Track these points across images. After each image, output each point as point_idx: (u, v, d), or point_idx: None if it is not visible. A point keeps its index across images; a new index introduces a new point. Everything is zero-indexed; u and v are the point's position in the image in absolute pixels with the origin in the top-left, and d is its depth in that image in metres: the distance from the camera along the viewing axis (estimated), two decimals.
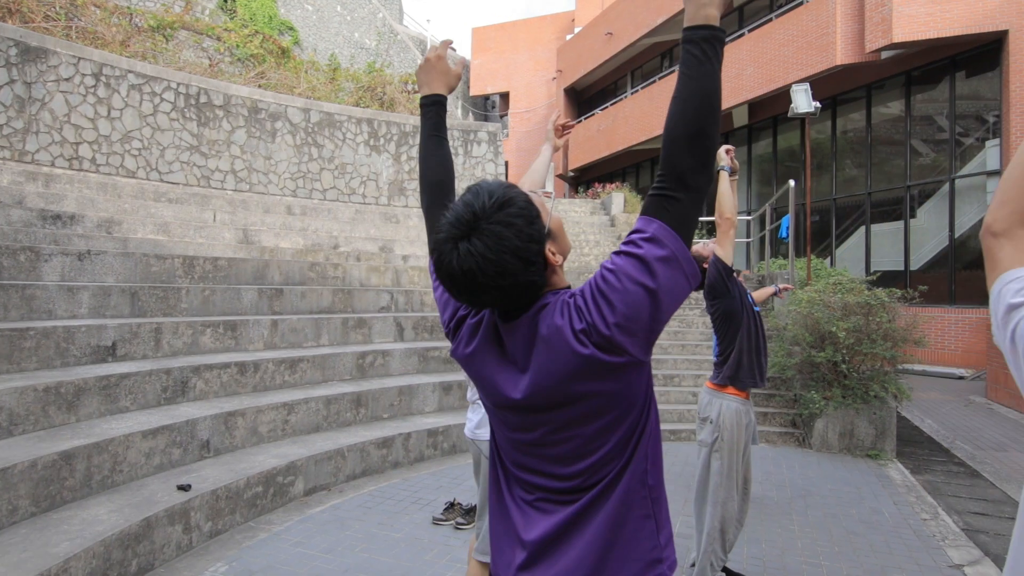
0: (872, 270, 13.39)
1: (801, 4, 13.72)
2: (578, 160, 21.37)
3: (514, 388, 1.09)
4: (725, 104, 15.28)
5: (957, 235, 12.28)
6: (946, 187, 12.44)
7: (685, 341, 7.90)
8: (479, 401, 2.51)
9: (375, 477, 4.89)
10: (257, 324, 5.61)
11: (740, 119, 16.33)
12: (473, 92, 25.45)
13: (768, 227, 9.42)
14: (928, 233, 12.87)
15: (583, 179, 22.53)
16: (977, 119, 12.20)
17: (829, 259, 13.99)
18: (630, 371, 1.04)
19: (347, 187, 10.65)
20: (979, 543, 3.92)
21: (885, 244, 13.65)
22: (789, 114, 7.69)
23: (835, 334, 5.89)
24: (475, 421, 2.52)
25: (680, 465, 5.53)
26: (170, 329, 4.91)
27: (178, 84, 8.74)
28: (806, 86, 7.45)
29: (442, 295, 1.28)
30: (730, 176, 3.22)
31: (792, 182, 7.92)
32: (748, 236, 11.39)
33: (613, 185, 14.32)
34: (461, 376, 6.39)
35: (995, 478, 5.34)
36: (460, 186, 11.23)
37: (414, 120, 11.49)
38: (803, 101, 7.28)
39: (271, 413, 4.70)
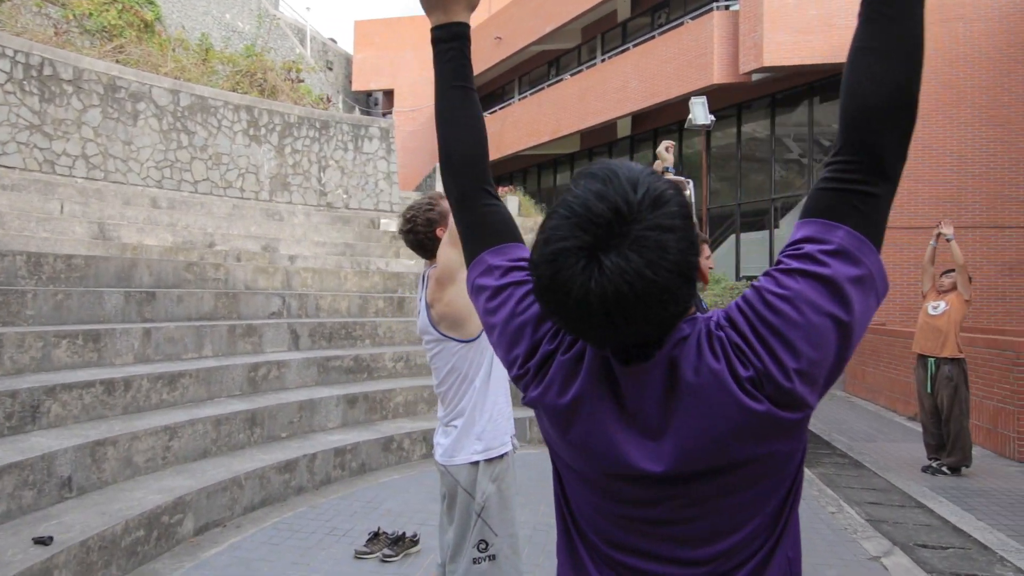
0: (740, 275, 14.51)
1: (682, 24, 14.52)
2: None
3: (646, 456, 0.78)
4: (611, 115, 15.86)
5: None
6: (805, 201, 13.70)
7: None
8: (456, 424, 2.17)
9: (278, 507, 4.31)
10: (125, 334, 4.78)
11: (624, 130, 17.00)
12: (355, 87, 24.43)
13: None
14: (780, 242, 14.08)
15: None
16: (832, 140, 13.55)
17: None
18: (803, 425, 0.78)
19: (223, 179, 9.63)
20: (884, 533, 4.18)
21: (753, 252, 14.77)
22: (686, 125, 8.01)
23: None
24: (445, 445, 2.18)
25: None
26: (13, 341, 4.01)
27: (15, 52, 7.39)
28: (703, 99, 7.79)
29: (514, 323, 0.90)
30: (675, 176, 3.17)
31: (690, 182, 8.23)
32: None
33: (507, 188, 14.28)
34: (368, 387, 5.92)
35: (876, 468, 5.81)
36: (352, 182, 10.39)
37: (299, 111, 10.67)
38: (700, 113, 7.60)
39: (149, 439, 3.98)
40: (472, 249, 1.01)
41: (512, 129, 19.04)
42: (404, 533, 3.64)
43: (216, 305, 6.02)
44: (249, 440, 4.72)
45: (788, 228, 14.18)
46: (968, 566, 3.66)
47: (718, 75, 13.38)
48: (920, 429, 5.98)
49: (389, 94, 25.01)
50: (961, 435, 5.48)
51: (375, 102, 26.20)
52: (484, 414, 2.15)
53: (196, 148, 9.28)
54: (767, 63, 12.50)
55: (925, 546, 3.96)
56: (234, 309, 6.19)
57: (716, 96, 14.48)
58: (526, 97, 19.29)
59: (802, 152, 14.01)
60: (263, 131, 10.10)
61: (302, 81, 12.30)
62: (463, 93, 1.06)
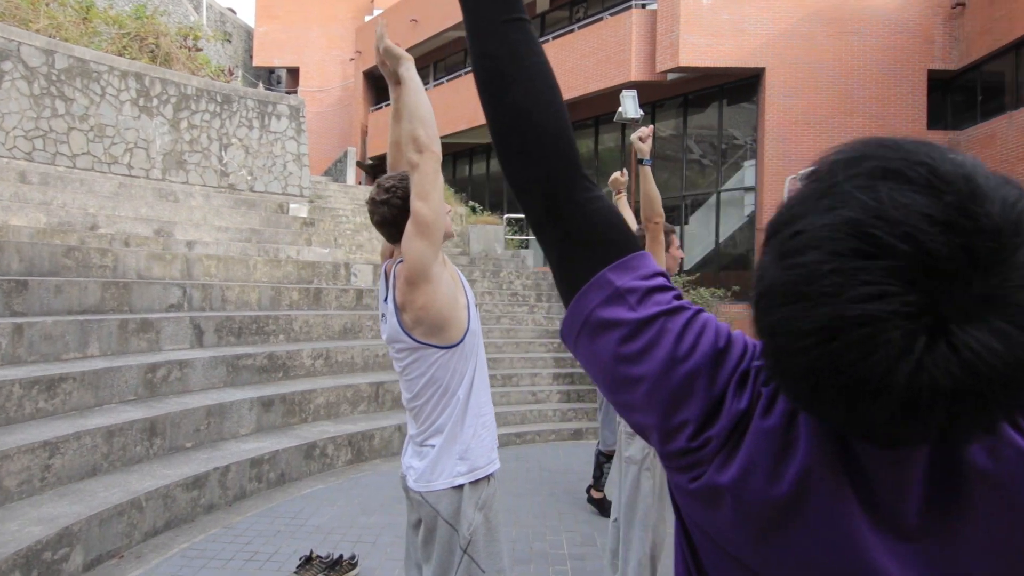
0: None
1: (601, 20, 14.62)
2: (378, 148, 20.37)
3: (906, 570, 0.52)
4: None
5: (721, 240, 14.17)
6: (713, 198, 14.27)
7: (518, 339, 7.75)
8: (433, 443, 1.85)
9: (186, 529, 3.77)
10: None
11: None
12: (257, 63, 22.82)
13: None
14: (698, 238, 14.63)
15: (383, 169, 21.54)
16: (739, 141, 14.18)
17: None
18: None
19: (107, 154, 8.54)
20: None
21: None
22: (616, 119, 7.98)
23: None
24: (420, 468, 1.85)
25: (536, 470, 5.27)
26: None
27: None
28: (634, 92, 7.78)
29: (677, 373, 0.60)
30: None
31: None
32: None
33: None
34: (284, 388, 5.39)
35: None
36: (258, 163, 9.58)
37: (197, 82, 9.68)
38: (631, 107, 7.58)
39: (23, 458, 3.33)
40: (581, 268, 0.68)
41: None
42: (341, 556, 3.26)
43: (103, 296, 5.24)
44: (148, 453, 4.11)
45: (697, 225, 14.72)
46: None
47: (636, 72, 13.60)
48: None
49: (294, 72, 23.59)
50: None
51: (278, 80, 24.65)
52: (467, 429, 1.85)
53: (75, 117, 8.15)
54: (683, 63, 12.84)
55: None
56: (125, 301, 5.43)
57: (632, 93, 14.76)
58: (443, 83, 18.80)
59: (711, 152, 14.55)
60: (155, 102, 9.06)
61: (200, 50, 11.20)
62: (522, 30, 0.72)
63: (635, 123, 7.86)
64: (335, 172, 17.60)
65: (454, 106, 17.57)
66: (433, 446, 1.83)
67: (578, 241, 0.70)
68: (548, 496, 4.63)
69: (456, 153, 19.88)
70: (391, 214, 1.86)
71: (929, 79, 12.80)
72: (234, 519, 3.96)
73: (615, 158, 16.22)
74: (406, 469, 1.93)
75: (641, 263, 0.68)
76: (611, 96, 14.81)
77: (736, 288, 12.24)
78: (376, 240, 10.45)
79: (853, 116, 12.69)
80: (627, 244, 0.70)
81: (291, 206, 10.16)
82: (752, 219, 13.51)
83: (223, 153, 9.95)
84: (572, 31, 15.43)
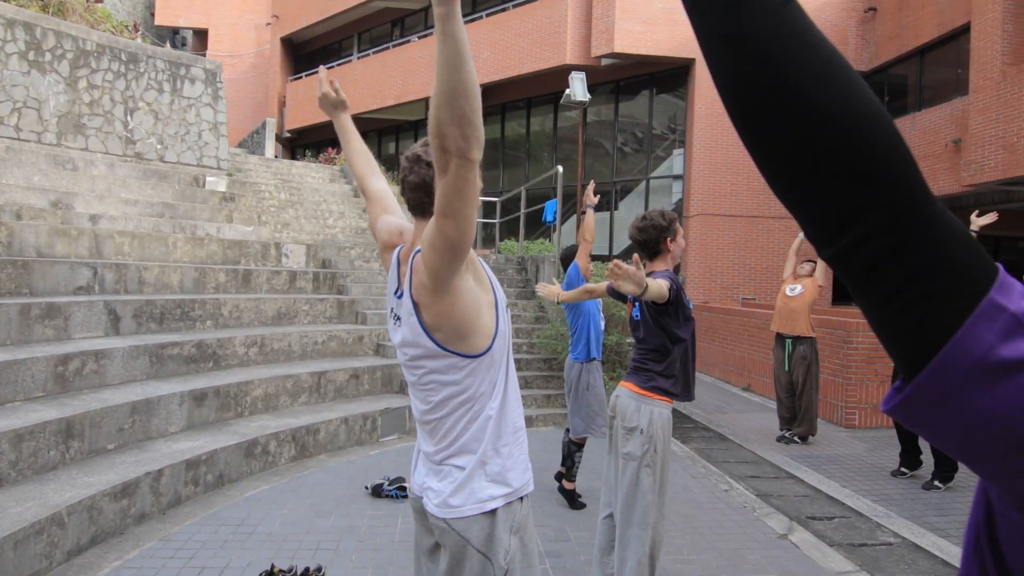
0: None
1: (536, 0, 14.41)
2: (297, 121, 19.27)
3: None
4: None
5: None
6: (643, 185, 14.53)
7: None
8: (460, 463, 1.61)
9: (116, 544, 3.31)
10: None
11: None
12: (159, 21, 20.90)
13: (524, 210, 9.63)
14: (627, 223, 14.85)
15: (301, 142, 20.44)
16: (669, 129, 14.47)
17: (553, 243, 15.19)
18: None
19: None
20: (776, 507, 4.39)
21: (596, 231, 15.34)
22: (563, 101, 7.85)
23: (621, 316, 6.15)
24: (443, 491, 1.58)
25: None
26: None
27: None
28: (583, 75, 7.67)
29: None
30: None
31: (560, 167, 8.13)
32: (497, 217, 11.60)
33: None
34: (217, 380, 4.91)
35: (737, 439, 6.21)
36: (169, 131, 8.78)
37: (98, 37, 8.64)
38: (579, 89, 7.46)
39: None
40: (946, 306, 0.49)
41: (351, 88, 17.62)
42: (307, 568, 2.96)
43: None
44: (65, 458, 3.59)
45: (626, 211, 14.95)
46: (857, 535, 3.94)
47: (571, 55, 13.52)
48: (764, 402, 6.51)
49: (201, 35, 21.81)
50: (811, 408, 6.05)
51: (183, 41, 22.72)
52: (502, 448, 1.61)
53: None
54: (618, 49, 12.90)
55: (814, 518, 4.22)
56: (24, 282, 4.73)
57: (567, 77, 14.68)
58: (368, 56, 17.97)
59: (640, 140, 14.77)
60: (48, 57, 8.00)
61: (100, 1, 10.00)
62: (802, 11, 0.50)
63: (582, 105, 7.76)
64: (251, 144, 16.47)
65: (381, 81, 16.86)
66: (460, 467, 1.58)
67: (938, 272, 0.50)
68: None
69: (382, 129, 19.15)
70: (426, 179, 1.58)
71: None
72: (171, 529, 3.53)
73: (547, 141, 16.16)
74: (420, 490, 1.67)
75: (1009, 277, 0.51)
76: (545, 78, 14.70)
77: None
78: (304, 219, 9.83)
79: None
80: (988, 257, 0.51)
81: (208, 179, 9.34)
82: (680, 206, 13.87)
83: (128, 118, 8.97)
84: (507, 9, 15.13)
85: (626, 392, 2.76)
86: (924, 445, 5.04)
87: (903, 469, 5.10)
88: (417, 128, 18.62)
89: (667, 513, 2.77)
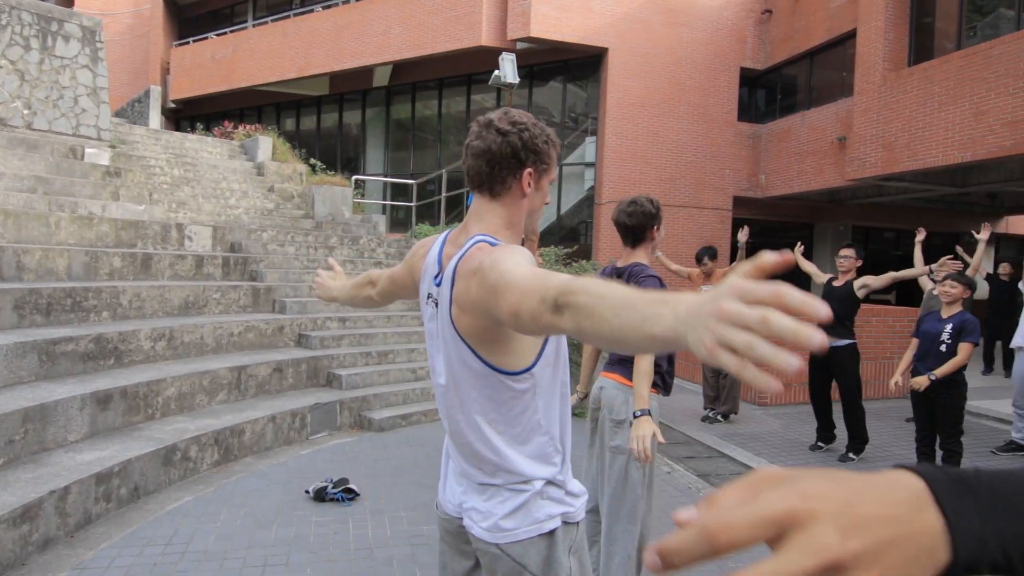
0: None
1: None
2: (184, 90, 17.62)
3: None
4: (369, 60, 14.65)
5: (563, 212, 14.64)
6: (556, 171, 14.62)
7: (388, 312, 7.18)
8: (510, 484, 1.42)
9: None
10: None
11: (382, 79, 15.92)
12: None
13: (444, 193, 9.37)
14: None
15: (187, 113, 18.74)
16: (581, 117, 14.63)
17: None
18: None
19: None
20: (718, 487, 4.53)
21: None
22: (491, 82, 7.63)
23: None
24: (491, 512, 1.39)
25: (436, 456, 4.90)
26: None
27: None
28: (513, 56, 7.49)
29: None
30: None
31: None
32: (413, 200, 11.20)
33: (253, 127, 12.14)
34: (122, 379, 4.34)
35: (666, 420, 6.38)
36: (39, 95, 7.79)
37: None
38: (510, 71, 7.29)
39: None
40: None
41: (247, 58, 16.37)
42: None
43: None
44: None
45: None
46: None
47: (486, 37, 13.28)
48: (680, 383, 6.78)
49: None
50: (735, 387, 6.34)
51: None
52: (564, 464, 1.45)
53: None
54: (534, 33, 12.81)
55: None
56: None
57: (481, 59, 14.42)
58: (266, 23, 16.71)
59: (554, 126, 14.86)
60: None
61: None
62: None
63: (511, 87, 7.61)
64: (131, 114, 14.86)
65: (281, 51, 15.76)
66: (511, 488, 1.39)
67: None
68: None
69: (280, 104, 17.96)
70: (501, 150, 1.35)
71: (741, 75, 14.31)
72: (85, 554, 3.06)
73: (460, 124, 15.85)
74: (456, 509, 1.48)
75: None
76: (459, 58, 14.37)
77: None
78: (203, 198, 9.00)
79: (680, 104, 13.76)
80: None
81: (88, 151, 8.28)
82: (591, 193, 14.12)
83: None
84: None
85: (612, 384, 2.67)
86: (838, 420, 5.41)
87: (820, 443, 5.46)
88: (320, 104, 17.64)
89: (653, 506, 2.73)
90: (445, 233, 1.50)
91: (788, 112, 14.17)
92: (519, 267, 1.09)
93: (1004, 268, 9.91)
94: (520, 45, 13.44)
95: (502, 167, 1.36)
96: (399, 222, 15.57)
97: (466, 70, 15.12)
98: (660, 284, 2.54)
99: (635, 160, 13.57)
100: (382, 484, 4.18)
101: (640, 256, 2.70)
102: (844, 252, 5.30)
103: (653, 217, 2.68)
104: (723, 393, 6.38)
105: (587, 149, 14.30)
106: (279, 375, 5.51)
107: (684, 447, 5.54)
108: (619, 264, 2.76)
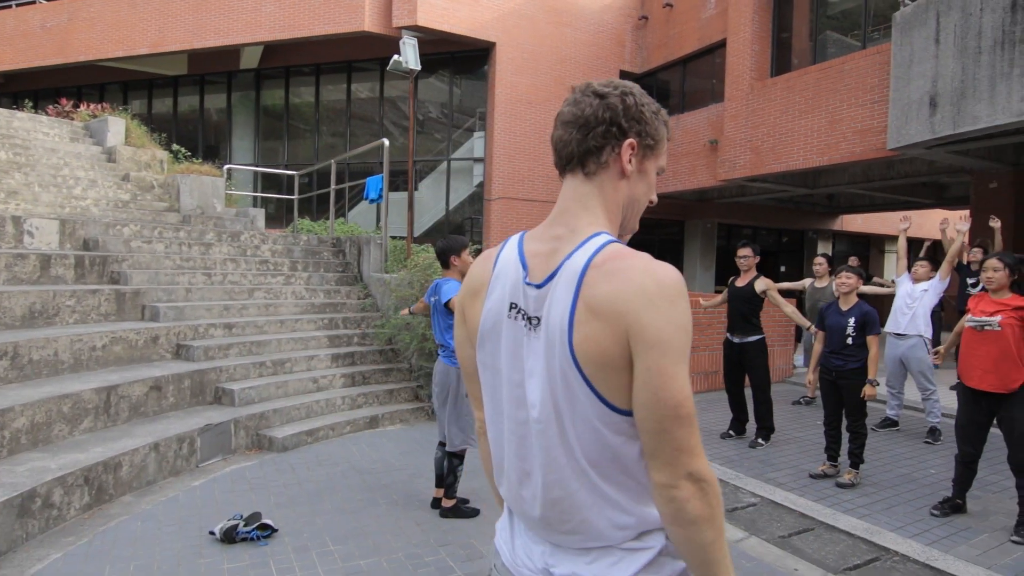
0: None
1: None
2: (5, 62, 15.03)
3: None
4: (236, 39, 13.37)
5: (451, 207, 14.33)
6: (444, 166, 14.29)
7: (281, 316, 6.49)
8: (619, 544, 1.11)
9: None
10: None
11: (250, 61, 14.61)
12: None
13: (334, 186, 8.70)
14: (427, 204, 14.52)
15: (11, 89, 16.04)
16: (469, 111, 14.38)
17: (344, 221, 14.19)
18: None
19: None
20: None
21: (394, 211, 14.70)
22: (390, 67, 7.14)
23: None
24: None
25: (352, 473, 4.45)
26: None
27: None
28: (415, 41, 7.05)
29: None
30: None
31: (386, 141, 7.45)
32: (295, 193, 10.29)
33: (98, 107, 10.50)
34: None
35: None
36: None
37: None
38: (412, 56, 6.86)
39: None
40: None
41: (86, 28, 14.29)
42: None
43: None
44: None
45: (427, 191, 14.56)
46: (726, 500, 4.23)
47: (370, 22, 12.62)
48: None
49: None
50: None
51: None
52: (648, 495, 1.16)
53: None
54: (421, 23, 12.37)
55: None
56: None
57: (364, 46, 13.68)
58: None
59: (441, 119, 14.49)
60: None
61: None
62: None
63: (412, 74, 7.18)
64: None
65: (129, 23, 13.94)
66: (628, 547, 1.09)
67: None
68: (389, 506, 3.92)
69: (128, 82, 15.92)
70: (598, 114, 1.08)
71: (620, 78, 14.80)
72: None
73: (339, 115, 14.97)
74: (537, 573, 1.15)
75: None
76: (339, 44, 13.55)
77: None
78: (39, 187, 7.65)
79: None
80: None
81: None
82: (481, 189, 13.95)
83: None
84: None
85: None
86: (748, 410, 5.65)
87: (731, 432, 5.68)
88: (177, 85, 15.87)
89: None
90: (516, 236, 1.18)
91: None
92: (684, 373, 0.99)
93: (853, 260, 11.09)
94: (406, 34, 12.91)
95: (598, 135, 1.08)
96: (271, 217, 14.43)
97: (347, 56, 14.32)
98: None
99: (524, 156, 13.59)
100: (300, 514, 3.68)
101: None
102: (742, 252, 5.51)
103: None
104: None
105: (475, 144, 14.10)
106: (157, 394, 4.73)
107: None
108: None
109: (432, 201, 14.47)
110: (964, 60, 7.78)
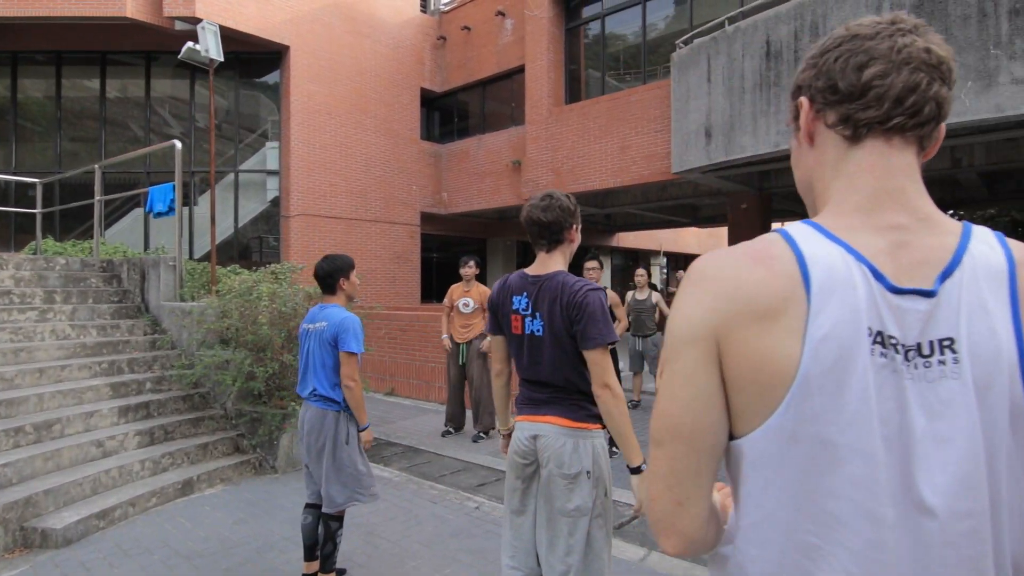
0: (150, 248, 12.23)
1: None
2: None
3: None
4: None
5: (240, 224, 12.75)
6: (231, 178, 12.70)
7: (39, 363, 4.97)
8: None
9: None
10: None
11: None
12: None
13: (100, 196, 7.07)
14: (206, 221, 12.72)
15: None
16: (259, 119, 12.98)
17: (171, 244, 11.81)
18: None
19: None
20: None
21: (164, 229, 12.65)
22: (185, 56, 5.95)
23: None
24: None
25: (180, 564, 3.48)
26: None
27: None
28: (216, 27, 5.97)
29: None
30: None
31: (178, 143, 6.22)
32: (38, 207, 8.06)
33: None
34: None
35: (431, 448, 5.93)
36: None
37: None
38: (213, 44, 5.81)
39: None
40: None
41: None
42: None
43: None
44: None
45: (207, 207, 12.76)
46: (615, 518, 4.16)
47: (133, 8, 10.74)
48: (415, 404, 6.52)
49: None
50: (490, 401, 6.24)
51: None
52: None
53: None
54: (199, 13, 10.86)
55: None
56: None
57: (122, 34, 11.55)
58: None
59: (225, 127, 12.87)
60: None
61: None
62: None
63: (213, 65, 6.11)
64: None
65: None
66: None
67: None
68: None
69: None
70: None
71: (422, 96, 14.69)
72: None
73: (91, 114, 12.45)
74: None
75: None
76: (89, 30, 11.29)
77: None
78: None
79: (367, 116, 13.42)
80: None
81: None
82: (276, 205, 12.65)
83: None
84: None
85: (553, 430, 2.14)
86: None
87: (614, 450, 5.72)
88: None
89: (485, 553, 2.23)
90: (805, 228, 0.80)
91: (466, 135, 15.10)
92: None
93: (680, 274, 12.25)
94: (180, 25, 11.23)
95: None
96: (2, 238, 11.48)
97: (100, 46, 12.02)
98: (604, 302, 2.12)
99: (324, 170, 12.67)
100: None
101: (557, 263, 2.24)
102: (589, 264, 5.66)
103: (572, 214, 2.25)
104: (480, 410, 6.23)
105: (268, 155, 12.77)
106: None
107: (466, 474, 5.17)
108: (533, 273, 2.24)
109: (217, 217, 12.73)
110: (732, 98, 9.03)
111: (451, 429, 6.44)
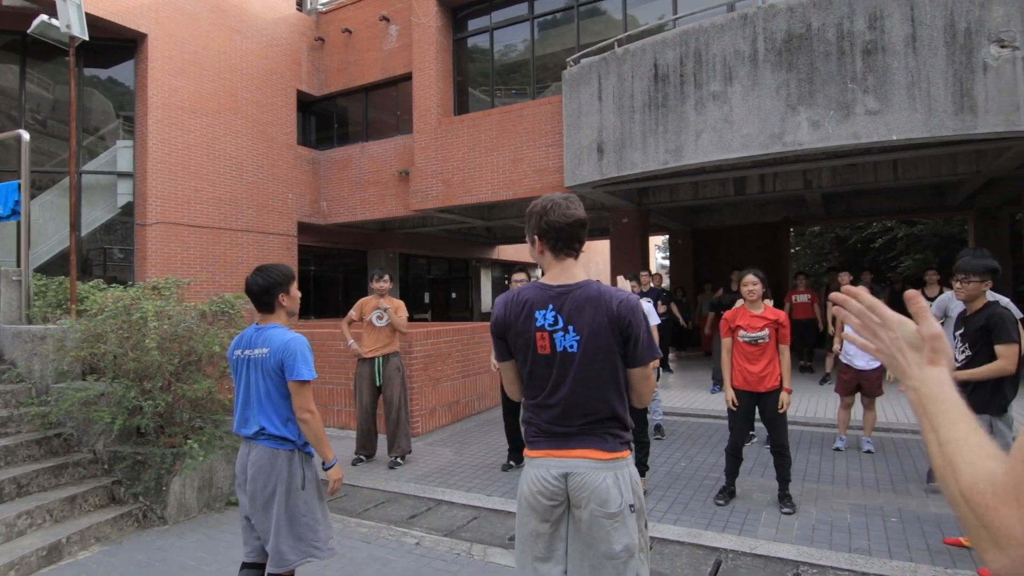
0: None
1: None
2: None
3: None
4: None
5: (84, 232, 11.08)
6: (76, 179, 10.98)
7: None
8: None
9: None
10: None
11: None
12: None
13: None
14: (45, 228, 10.97)
15: None
16: (108, 115, 11.39)
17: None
18: None
19: None
20: (478, 539, 4.00)
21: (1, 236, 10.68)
22: (34, 31, 4.93)
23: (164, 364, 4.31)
24: None
25: None
26: None
27: None
28: (80, 0, 5.03)
29: None
30: None
31: (24, 133, 5.18)
32: None
33: None
34: None
35: (349, 480, 5.40)
36: None
37: None
38: (76, 20, 4.89)
39: None
40: None
41: None
42: None
43: None
44: None
45: (43, 211, 10.96)
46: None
47: None
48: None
49: None
50: (408, 424, 5.86)
51: None
52: None
53: None
54: None
55: (500, 538, 4.06)
56: None
57: None
58: None
59: (57, 122, 11.14)
60: None
61: None
62: None
63: (74, 44, 5.17)
64: None
65: None
66: None
67: None
68: None
69: None
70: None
71: (299, 99, 13.80)
72: None
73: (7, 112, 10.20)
74: None
75: None
76: None
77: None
78: None
79: (238, 117, 12.35)
80: None
81: None
82: (129, 212, 11.15)
83: None
84: None
85: (588, 465, 1.90)
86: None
87: (511, 462, 5.53)
88: None
89: None
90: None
91: (347, 141, 14.39)
92: None
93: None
94: (8, 1, 9.58)
95: None
96: None
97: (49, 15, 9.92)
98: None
99: (188, 174, 11.41)
100: None
101: (582, 271, 2.05)
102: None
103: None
104: (398, 433, 5.81)
105: (120, 155, 11.24)
106: None
107: (395, 506, 4.75)
108: (556, 282, 2.02)
109: (53, 225, 10.98)
110: (622, 116, 9.38)
111: (363, 456, 5.94)
